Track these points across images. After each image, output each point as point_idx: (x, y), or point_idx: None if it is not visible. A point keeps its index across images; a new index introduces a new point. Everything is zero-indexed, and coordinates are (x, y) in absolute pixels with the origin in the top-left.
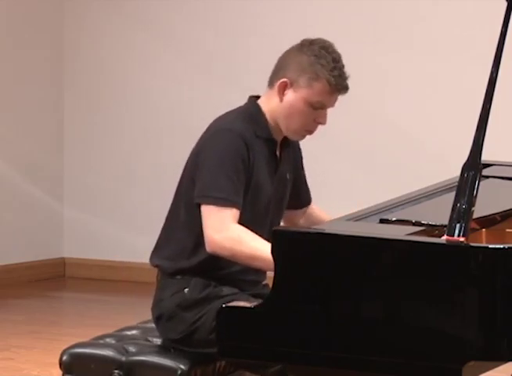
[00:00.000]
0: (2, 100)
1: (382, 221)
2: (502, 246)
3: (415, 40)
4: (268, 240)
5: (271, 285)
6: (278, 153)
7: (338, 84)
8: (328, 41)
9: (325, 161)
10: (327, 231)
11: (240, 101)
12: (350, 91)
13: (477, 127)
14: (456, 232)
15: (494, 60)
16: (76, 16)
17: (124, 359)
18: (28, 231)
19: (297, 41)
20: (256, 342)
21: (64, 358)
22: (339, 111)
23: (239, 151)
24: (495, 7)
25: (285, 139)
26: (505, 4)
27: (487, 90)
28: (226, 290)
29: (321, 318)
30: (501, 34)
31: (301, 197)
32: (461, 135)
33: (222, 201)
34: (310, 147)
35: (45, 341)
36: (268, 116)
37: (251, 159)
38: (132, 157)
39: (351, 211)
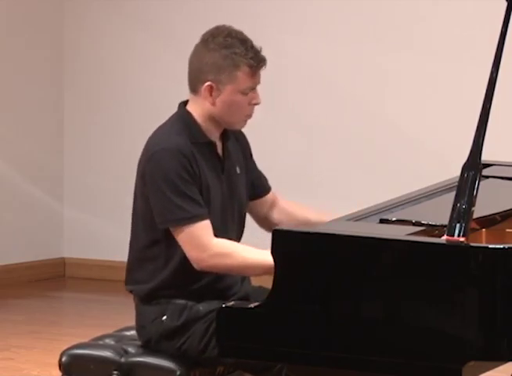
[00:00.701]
0: (2, 100)
1: (382, 221)
2: (502, 246)
3: (415, 40)
4: (234, 239)
5: (271, 285)
6: (220, 151)
7: (258, 62)
8: (225, 26)
9: (325, 161)
10: (327, 231)
11: None
12: (350, 91)
13: (477, 127)
14: (456, 232)
15: (494, 60)
16: (76, 16)
17: (123, 360)
18: (28, 231)
19: (297, 41)
20: (256, 342)
21: (63, 359)
22: (339, 111)
23: (182, 166)
24: (495, 7)
25: (223, 135)
26: (505, 4)
27: (487, 90)
28: (203, 308)
29: (321, 318)
30: (501, 34)
31: (254, 186)
32: (461, 135)
33: (190, 219)
34: (310, 147)
35: (45, 341)
36: (200, 120)
37: (195, 169)
38: (132, 157)
39: (351, 211)
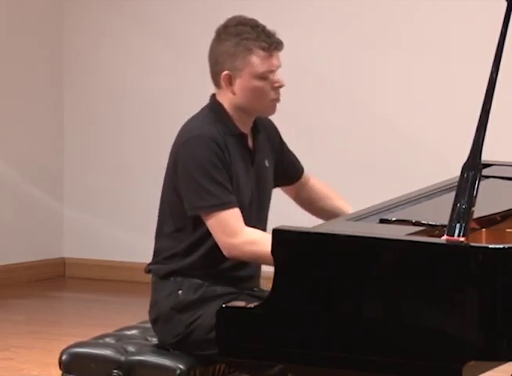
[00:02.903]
0: (2, 100)
1: (382, 221)
2: (502, 246)
3: (415, 40)
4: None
5: (270, 285)
6: (251, 144)
7: (270, 44)
8: (238, 16)
9: (324, 161)
10: (327, 231)
11: None
12: (350, 91)
13: (477, 127)
14: (456, 232)
15: (494, 60)
16: (76, 16)
17: (123, 358)
18: (28, 231)
19: (296, 40)
20: (256, 342)
21: (64, 357)
22: (339, 111)
23: (215, 154)
24: (495, 7)
25: (254, 127)
26: (505, 4)
27: (487, 90)
28: (220, 289)
29: (321, 318)
30: (501, 34)
31: (290, 172)
32: (461, 134)
33: (220, 206)
34: (310, 147)
35: (45, 341)
36: (230, 111)
37: (227, 158)
38: (132, 157)
39: (351, 211)
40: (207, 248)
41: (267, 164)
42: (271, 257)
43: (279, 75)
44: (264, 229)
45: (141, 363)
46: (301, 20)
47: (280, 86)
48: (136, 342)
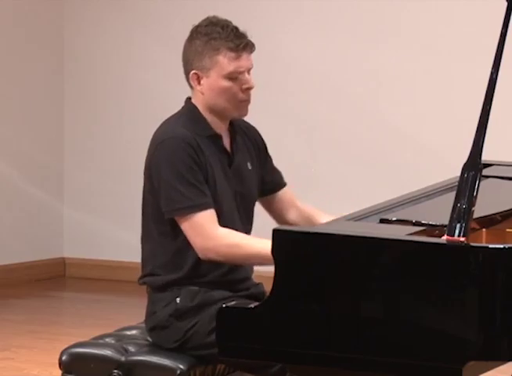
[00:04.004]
0: (2, 100)
1: (382, 221)
2: (502, 246)
3: (416, 40)
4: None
5: (270, 285)
6: (227, 145)
7: (239, 44)
8: (211, 16)
9: (325, 161)
10: (327, 231)
11: None
12: (350, 91)
13: (478, 127)
14: (456, 232)
15: (494, 61)
16: (76, 15)
17: (123, 358)
18: (28, 231)
19: (297, 41)
20: (256, 342)
21: (64, 358)
22: (339, 111)
23: (188, 155)
24: (495, 7)
25: (231, 129)
26: (505, 4)
27: (487, 91)
28: (217, 294)
29: (321, 318)
30: (501, 35)
31: (265, 181)
32: (461, 135)
33: (193, 208)
34: (310, 147)
35: (45, 341)
36: (204, 113)
37: (202, 159)
38: (132, 157)
39: (351, 211)
40: (196, 258)
41: (249, 167)
42: (247, 259)
43: (249, 77)
44: (249, 229)
45: (141, 363)
46: (301, 20)
47: (249, 88)
48: (136, 342)
